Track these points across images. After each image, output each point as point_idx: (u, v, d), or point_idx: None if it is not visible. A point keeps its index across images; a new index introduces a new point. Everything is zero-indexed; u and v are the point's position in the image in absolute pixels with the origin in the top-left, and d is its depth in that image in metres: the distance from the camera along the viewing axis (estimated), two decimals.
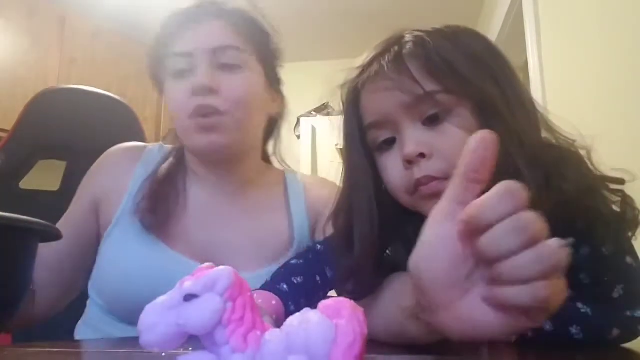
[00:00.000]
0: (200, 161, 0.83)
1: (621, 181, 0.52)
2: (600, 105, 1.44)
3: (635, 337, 0.52)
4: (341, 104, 0.59)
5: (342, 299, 0.29)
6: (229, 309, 0.28)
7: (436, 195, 0.48)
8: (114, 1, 2.98)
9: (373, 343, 0.49)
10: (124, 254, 0.76)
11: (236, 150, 0.80)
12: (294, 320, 0.28)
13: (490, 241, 0.32)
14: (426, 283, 0.35)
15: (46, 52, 2.76)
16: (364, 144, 0.57)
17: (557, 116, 0.57)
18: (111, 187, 0.82)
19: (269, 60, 0.84)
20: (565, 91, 1.73)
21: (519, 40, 2.26)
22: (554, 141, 0.54)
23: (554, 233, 0.49)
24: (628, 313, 0.51)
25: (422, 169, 0.51)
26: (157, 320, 0.28)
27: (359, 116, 0.57)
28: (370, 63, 0.55)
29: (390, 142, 0.55)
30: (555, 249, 0.32)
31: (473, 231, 0.33)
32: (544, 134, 0.54)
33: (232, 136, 0.77)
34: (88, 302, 0.82)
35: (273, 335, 0.28)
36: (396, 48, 0.53)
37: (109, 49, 3.02)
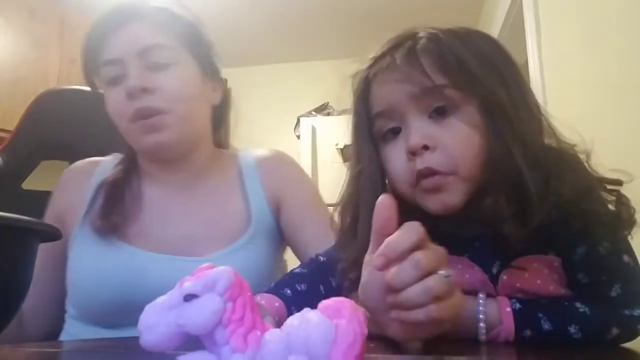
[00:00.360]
0: (151, 161, 0.85)
1: (619, 182, 0.54)
2: (601, 105, 1.44)
3: (634, 337, 0.53)
4: (352, 94, 0.61)
5: (342, 298, 0.29)
6: (229, 309, 0.28)
7: (437, 190, 0.52)
8: (114, 1, 2.98)
9: (373, 343, 0.49)
10: (86, 258, 0.78)
11: (184, 145, 0.82)
12: (294, 320, 0.28)
13: (393, 276, 0.42)
14: (367, 308, 0.46)
15: (46, 52, 2.76)
16: (371, 135, 0.58)
17: (558, 118, 0.58)
18: (71, 203, 0.85)
19: (201, 52, 0.84)
20: (565, 91, 1.73)
21: (519, 40, 2.26)
22: (554, 144, 0.56)
23: (551, 233, 0.50)
24: (626, 312, 0.52)
25: (425, 161, 0.51)
26: (157, 320, 0.28)
27: (368, 106, 0.58)
28: (382, 55, 0.57)
29: (396, 132, 0.55)
30: (440, 280, 0.41)
31: (387, 265, 0.43)
32: (547, 137, 0.56)
33: (177, 132, 0.78)
34: (66, 315, 0.83)
35: (273, 335, 0.28)
36: (410, 42, 0.54)
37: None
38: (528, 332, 0.52)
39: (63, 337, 0.81)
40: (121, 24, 0.79)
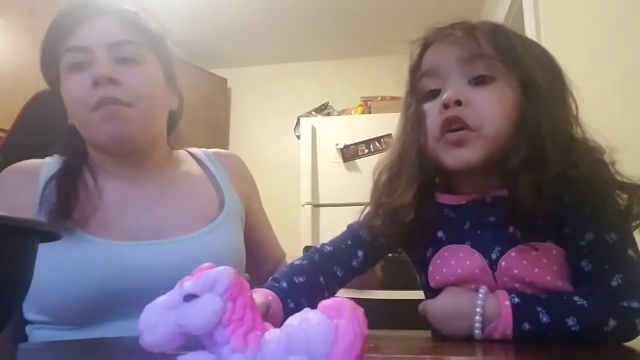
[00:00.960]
0: (108, 154, 0.83)
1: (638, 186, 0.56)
2: (601, 105, 1.44)
3: (633, 332, 0.53)
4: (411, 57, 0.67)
5: (342, 299, 0.29)
6: (229, 309, 0.28)
7: (459, 144, 0.58)
8: (114, 1, 2.98)
9: (373, 343, 0.49)
10: (55, 260, 0.73)
11: (142, 142, 0.82)
12: (294, 320, 0.28)
13: None
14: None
15: None
16: (416, 94, 0.64)
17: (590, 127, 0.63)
18: (16, 206, 0.79)
19: (164, 58, 0.85)
20: None
21: None
22: (581, 138, 0.61)
23: (561, 218, 0.52)
24: (624, 304, 0.53)
25: (454, 111, 0.57)
26: (157, 320, 0.28)
27: (420, 66, 0.64)
28: (443, 28, 0.65)
29: (435, 95, 0.61)
30: None
31: None
32: (575, 132, 0.61)
33: (136, 127, 0.78)
34: (27, 329, 0.79)
35: (273, 335, 0.28)
36: (469, 22, 0.63)
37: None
38: (527, 326, 0.53)
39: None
40: (92, 16, 0.79)
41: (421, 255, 0.67)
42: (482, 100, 0.57)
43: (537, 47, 0.64)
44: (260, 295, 0.57)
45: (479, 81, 0.59)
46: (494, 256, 0.59)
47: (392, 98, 3.21)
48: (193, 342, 0.29)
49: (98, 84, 0.75)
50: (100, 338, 0.74)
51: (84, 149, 0.85)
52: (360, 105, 3.31)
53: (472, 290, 0.58)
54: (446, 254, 0.63)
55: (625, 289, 0.54)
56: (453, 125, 0.58)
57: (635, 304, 0.53)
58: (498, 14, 2.56)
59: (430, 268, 0.64)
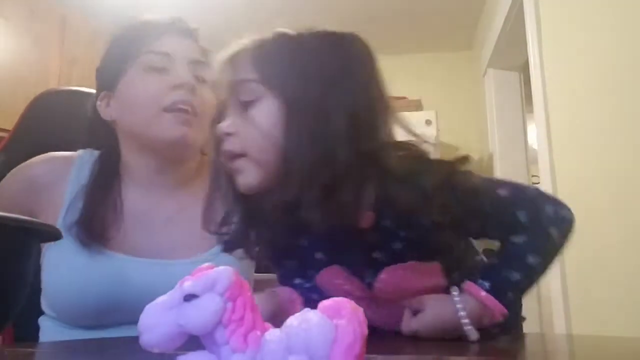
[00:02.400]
0: (151, 159, 0.84)
1: (466, 158, 0.60)
2: (601, 105, 1.44)
3: (569, 224, 0.60)
4: None
5: (342, 299, 0.29)
6: (229, 309, 0.28)
7: (236, 171, 0.58)
8: (114, 1, 2.98)
9: (373, 343, 0.49)
10: (66, 266, 0.77)
11: (196, 148, 0.85)
12: (294, 320, 0.28)
13: None
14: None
15: (47, 52, 2.76)
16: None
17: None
18: (47, 202, 0.82)
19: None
20: (565, 91, 1.73)
21: (520, 40, 2.26)
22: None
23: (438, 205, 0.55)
24: (549, 213, 0.59)
25: (226, 144, 0.58)
26: (157, 320, 0.28)
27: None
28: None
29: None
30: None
31: None
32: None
33: (199, 137, 0.82)
34: (40, 319, 0.82)
35: (273, 335, 0.28)
36: (241, 42, 0.60)
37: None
38: (510, 295, 0.57)
39: (42, 338, 0.81)
40: (180, 32, 0.85)
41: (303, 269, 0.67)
42: (248, 126, 0.56)
43: (323, 48, 0.59)
44: (284, 292, 0.60)
45: (246, 106, 0.57)
46: (366, 280, 0.62)
47: (393, 98, 3.22)
48: (193, 342, 0.29)
49: (180, 88, 0.79)
50: (100, 338, 0.74)
51: (118, 151, 0.87)
52: None
53: (442, 295, 0.60)
54: (330, 274, 0.64)
55: (531, 211, 0.58)
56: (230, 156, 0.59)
57: (551, 207, 0.59)
58: (498, 14, 2.56)
59: (321, 286, 0.65)
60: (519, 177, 2.74)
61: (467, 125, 3.43)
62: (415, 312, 0.59)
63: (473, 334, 0.56)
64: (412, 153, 0.59)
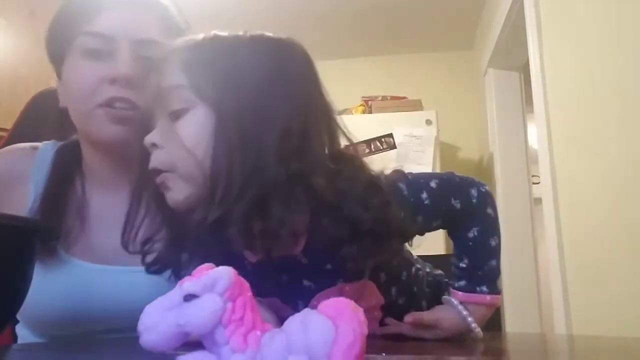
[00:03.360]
0: (102, 154, 0.76)
1: (397, 171, 0.59)
2: (601, 105, 1.44)
3: (492, 197, 0.63)
4: None
5: (342, 299, 0.29)
6: (229, 309, 0.28)
7: (164, 186, 0.53)
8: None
9: (373, 343, 0.49)
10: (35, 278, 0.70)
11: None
12: (294, 320, 0.28)
13: None
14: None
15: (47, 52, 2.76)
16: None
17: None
18: (9, 199, 0.74)
19: None
20: (566, 91, 1.73)
21: (520, 40, 2.26)
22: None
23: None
24: (474, 200, 0.60)
25: (152, 159, 0.54)
26: (157, 320, 0.28)
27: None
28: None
29: None
30: None
31: None
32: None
33: (140, 134, 0.72)
34: (17, 327, 0.77)
35: (273, 335, 0.28)
36: (177, 44, 0.56)
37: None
38: (499, 280, 0.62)
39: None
40: (126, 3, 0.72)
41: None
42: (176, 139, 0.52)
43: (253, 62, 0.54)
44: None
45: (176, 115, 0.53)
46: (300, 309, 0.57)
47: (393, 97, 3.21)
48: (193, 342, 0.29)
49: (115, 82, 0.69)
50: (100, 338, 0.74)
51: (79, 143, 0.79)
52: (361, 105, 3.31)
53: (447, 308, 0.62)
54: (264, 303, 0.59)
55: (464, 197, 0.60)
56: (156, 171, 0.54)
57: (473, 192, 0.61)
58: (499, 14, 2.56)
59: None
60: (519, 177, 2.74)
61: (467, 125, 3.43)
62: (427, 326, 0.61)
63: (480, 334, 0.60)
64: (348, 164, 0.55)
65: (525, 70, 2.53)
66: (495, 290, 0.61)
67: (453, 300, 0.61)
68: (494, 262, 0.62)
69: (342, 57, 3.75)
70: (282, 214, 0.49)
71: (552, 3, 1.87)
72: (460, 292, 0.61)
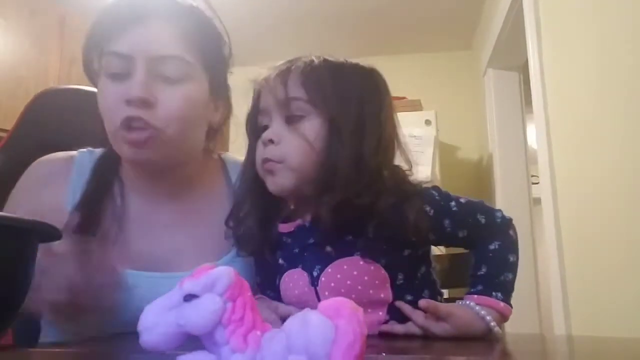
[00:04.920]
0: (132, 167, 0.80)
1: (410, 171, 0.70)
2: (600, 105, 1.44)
3: (514, 226, 0.70)
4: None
5: (342, 298, 0.29)
6: (229, 309, 0.28)
7: (271, 172, 0.68)
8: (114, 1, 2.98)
9: (373, 343, 0.49)
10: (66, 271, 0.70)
11: (170, 163, 0.77)
12: (294, 320, 0.28)
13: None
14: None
15: (47, 52, 2.76)
16: (255, 128, 0.73)
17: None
18: (50, 206, 0.77)
19: (216, 68, 0.79)
20: (565, 91, 1.73)
21: (519, 40, 2.26)
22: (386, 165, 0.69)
23: (405, 235, 0.66)
24: (499, 221, 0.69)
25: (266, 151, 0.68)
26: (157, 320, 0.28)
27: (257, 105, 0.72)
28: (269, 72, 0.72)
29: (266, 129, 0.70)
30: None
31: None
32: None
33: (163, 152, 0.73)
34: (42, 322, 0.79)
35: (273, 335, 0.28)
36: (289, 64, 0.70)
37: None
38: (512, 291, 0.65)
39: (42, 338, 0.78)
40: (145, 16, 0.72)
41: (272, 280, 0.74)
42: (290, 138, 0.66)
43: (358, 81, 0.70)
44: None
45: (291, 120, 0.67)
46: (315, 274, 0.68)
47: (393, 98, 3.21)
48: (193, 342, 0.29)
49: (130, 103, 0.69)
50: (100, 337, 0.74)
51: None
52: None
53: (461, 306, 0.65)
54: (287, 279, 0.71)
55: (489, 216, 0.69)
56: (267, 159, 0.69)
57: (498, 215, 0.69)
58: (498, 14, 2.56)
59: (282, 293, 0.72)
60: (518, 177, 2.74)
61: (466, 125, 3.43)
62: (437, 318, 0.62)
63: (500, 333, 0.62)
64: (403, 178, 0.69)
65: (524, 70, 2.53)
66: (508, 301, 0.64)
67: (469, 302, 0.64)
68: (510, 276, 0.65)
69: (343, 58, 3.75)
70: (369, 200, 0.63)
71: (551, 3, 1.87)
72: (475, 295, 0.64)
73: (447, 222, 0.67)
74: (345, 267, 0.66)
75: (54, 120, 1.08)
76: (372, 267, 0.66)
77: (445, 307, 0.62)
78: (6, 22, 2.63)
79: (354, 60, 0.72)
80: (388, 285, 0.67)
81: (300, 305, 0.67)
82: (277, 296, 0.73)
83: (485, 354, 0.51)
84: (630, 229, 1.27)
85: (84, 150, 0.86)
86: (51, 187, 0.79)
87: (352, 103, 0.67)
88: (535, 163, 2.11)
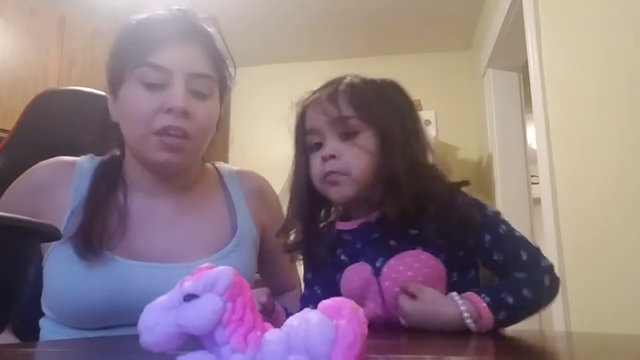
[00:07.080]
0: (145, 169, 0.84)
1: (467, 183, 0.75)
2: (600, 105, 1.44)
3: (558, 282, 0.69)
4: (295, 117, 0.82)
5: (342, 298, 0.29)
6: (229, 309, 0.28)
7: (335, 184, 0.74)
8: (114, 1, 2.98)
9: (373, 343, 0.49)
10: (68, 272, 0.77)
11: (186, 167, 0.85)
12: (294, 320, 0.28)
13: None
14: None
15: (46, 52, 2.76)
16: (304, 146, 0.79)
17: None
18: (51, 207, 0.82)
19: (223, 84, 0.87)
20: (565, 91, 1.73)
21: (519, 40, 2.26)
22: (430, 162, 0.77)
23: (459, 231, 0.71)
24: (542, 264, 0.69)
25: (330, 165, 0.74)
26: (157, 320, 0.28)
27: (304, 125, 0.79)
28: (314, 92, 0.80)
29: (319, 146, 0.77)
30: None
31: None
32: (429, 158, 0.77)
33: (189, 158, 0.82)
34: (41, 321, 0.83)
35: (273, 335, 0.28)
36: (334, 85, 0.77)
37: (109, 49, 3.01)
38: (504, 314, 0.64)
39: (42, 339, 0.81)
40: (182, 37, 0.80)
41: (330, 276, 0.79)
42: (350, 152, 0.73)
43: (393, 95, 0.78)
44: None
45: (346, 136, 0.74)
46: (378, 264, 0.72)
47: None
48: (193, 342, 0.29)
49: (171, 113, 0.76)
50: (100, 337, 0.74)
51: (120, 154, 0.87)
52: None
53: (439, 292, 0.67)
54: (348, 273, 0.76)
55: (532, 256, 0.69)
56: (331, 172, 0.74)
57: (546, 262, 0.69)
58: (498, 14, 2.56)
59: (342, 288, 0.76)
60: (518, 177, 2.74)
61: (466, 126, 3.43)
62: (412, 297, 0.66)
63: (474, 328, 0.62)
64: (444, 175, 0.75)
65: (524, 70, 2.53)
66: (494, 311, 0.63)
67: (452, 293, 0.65)
68: (510, 301, 0.65)
69: (341, 58, 3.75)
70: (418, 196, 0.70)
71: (551, 3, 1.87)
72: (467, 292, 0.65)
73: (487, 237, 0.70)
74: (407, 259, 0.70)
75: (54, 121, 1.08)
76: (432, 262, 0.70)
77: (418, 285, 0.66)
78: (6, 22, 2.63)
79: (377, 76, 0.81)
80: (445, 281, 0.70)
81: (357, 298, 0.72)
82: (324, 293, 0.78)
83: (485, 354, 0.51)
84: (630, 229, 1.27)
85: (84, 157, 0.90)
86: (55, 191, 0.83)
87: (396, 115, 0.75)
88: (534, 163, 2.11)
